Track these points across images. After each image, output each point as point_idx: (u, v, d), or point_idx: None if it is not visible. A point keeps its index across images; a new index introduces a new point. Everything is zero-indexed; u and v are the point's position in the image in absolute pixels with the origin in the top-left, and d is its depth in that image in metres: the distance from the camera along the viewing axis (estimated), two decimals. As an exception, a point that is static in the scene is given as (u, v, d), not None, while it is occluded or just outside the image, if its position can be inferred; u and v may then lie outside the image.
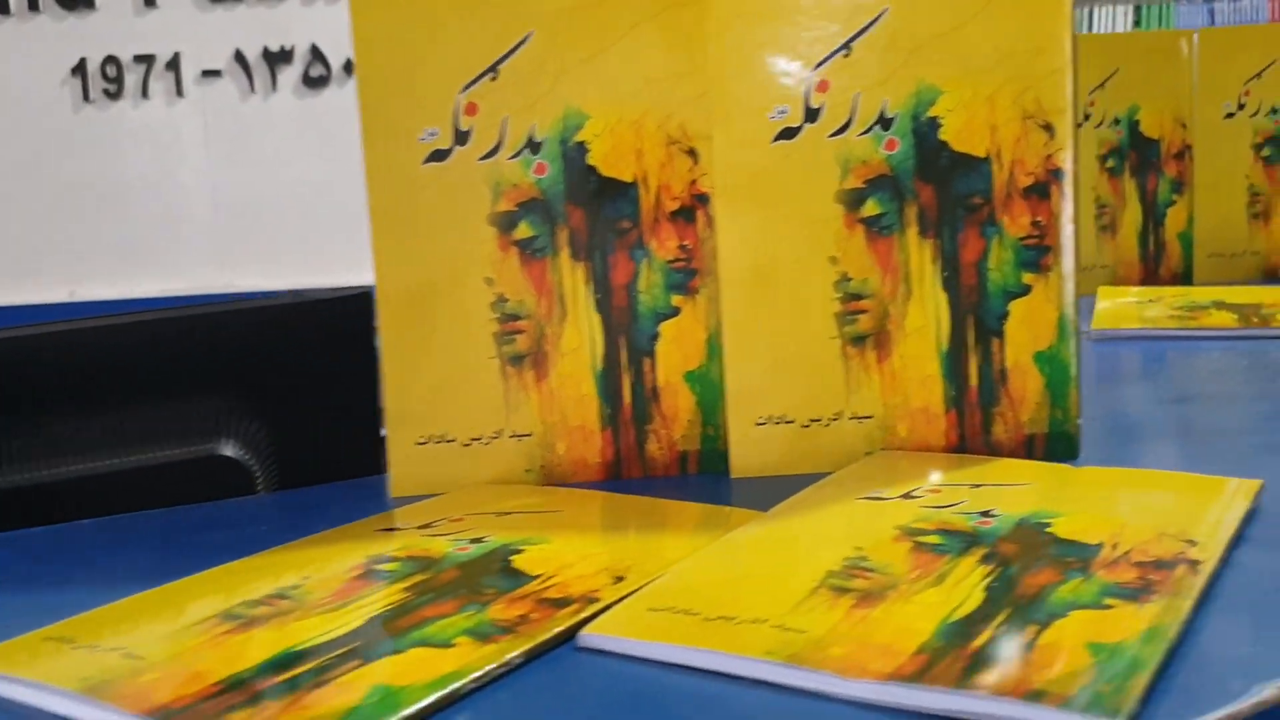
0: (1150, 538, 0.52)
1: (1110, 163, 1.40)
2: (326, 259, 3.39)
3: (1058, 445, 0.70)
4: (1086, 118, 1.39)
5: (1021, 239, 0.69)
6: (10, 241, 3.73)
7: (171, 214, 3.59)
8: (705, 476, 0.72)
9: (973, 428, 0.70)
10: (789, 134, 0.69)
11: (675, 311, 0.71)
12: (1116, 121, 1.40)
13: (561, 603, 0.49)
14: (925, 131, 0.69)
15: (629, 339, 0.71)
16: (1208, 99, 1.39)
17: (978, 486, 0.61)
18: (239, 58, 3.55)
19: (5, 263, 3.73)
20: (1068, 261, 0.69)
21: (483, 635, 0.46)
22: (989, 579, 0.48)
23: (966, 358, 0.70)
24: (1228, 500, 0.56)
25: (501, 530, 0.59)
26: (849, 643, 0.43)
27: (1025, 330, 0.69)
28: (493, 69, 0.69)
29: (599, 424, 0.71)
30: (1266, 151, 1.40)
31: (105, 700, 0.41)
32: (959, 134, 0.69)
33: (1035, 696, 0.38)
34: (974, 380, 0.70)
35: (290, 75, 3.53)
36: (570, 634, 0.47)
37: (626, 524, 0.62)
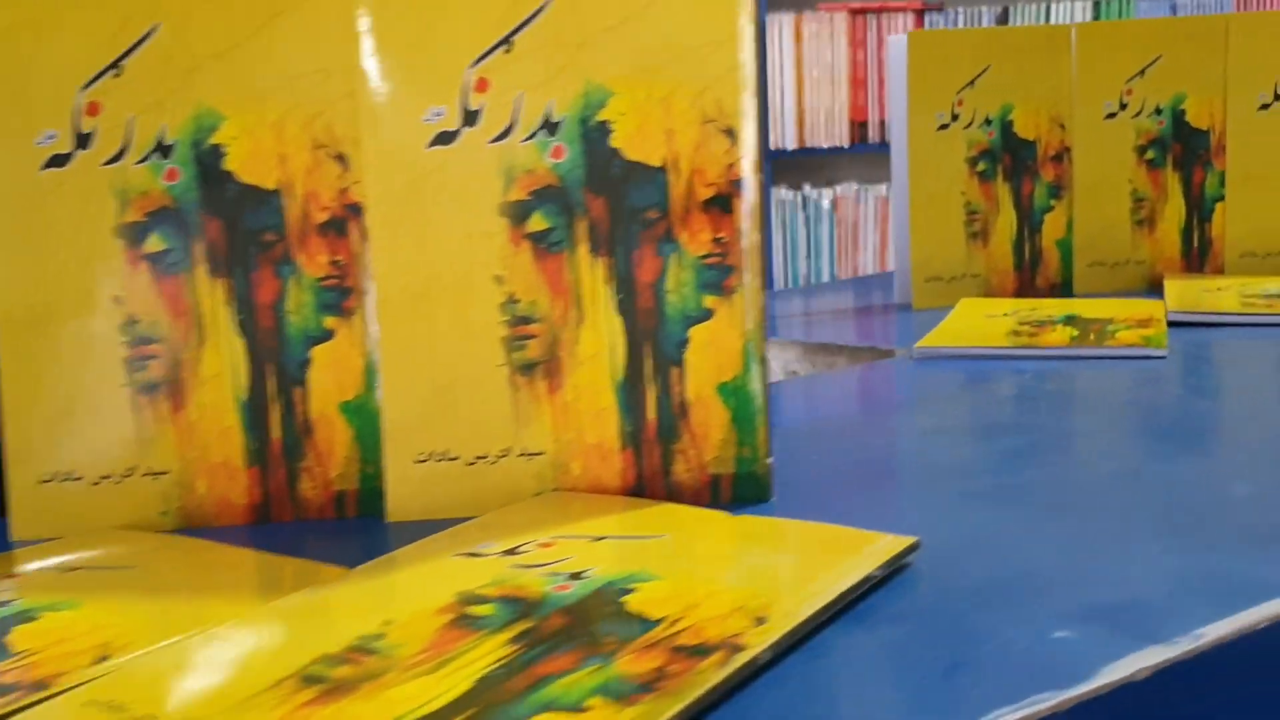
0: (724, 613, 0.44)
1: (981, 166, 1.30)
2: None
3: (746, 488, 0.62)
4: (955, 118, 1.30)
5: (702, 258, 0.61)
6: None
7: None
8: (365, 519, 0.64)
9: (651, 467, 0.62)
10: (445, 139, 0.61)
11: (328, 335, 0.63)
12: (988, 122, 1.29)
13: (38, 685, 0.41)
14: (595, 137, 0.61)
15: (277, 365, 0.63)
16: (1087, 98, 1.30)
17: (599, 540, 0.54)
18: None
19: None
20: (751, 282, 0.61)
21: None
22: (495, 665, 0.41)
23: (643, 389, 0.62)
24: (855, 564, 0.48)
25: (41, 593, 0.51)
26: (250, 756, 0.36)
27: (707, 359, 0.62)
28: (115, 64, 0.62)
29: (244, 461, 0.64)
30: (1150, 154, 1.32)
31: None
32: (631, 140, 0.61)
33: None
34: (651, 414, 0.62)
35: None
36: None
37: (187, 582, 0.55)
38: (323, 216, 0.63)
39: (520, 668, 0.40)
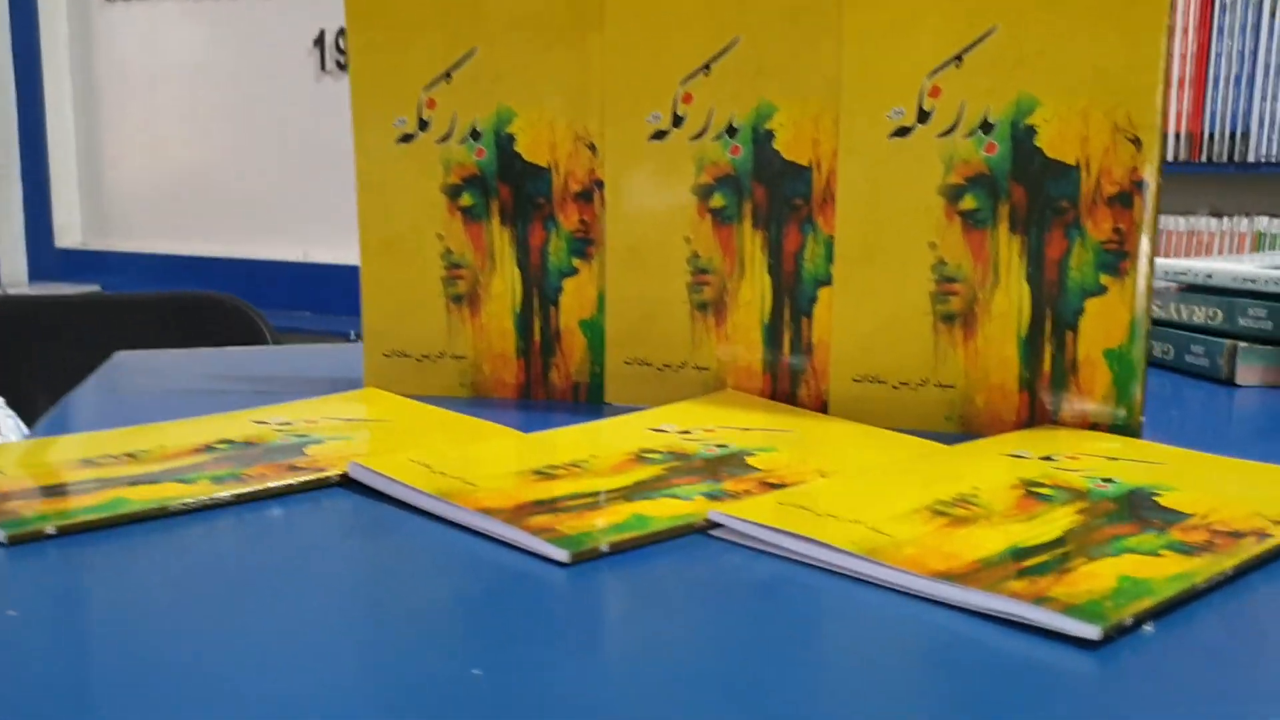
0: (1245, 513, 0.59)
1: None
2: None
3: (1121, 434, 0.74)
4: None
5: (1103, 243, 0.76)
6: (254, 201, 4.17)
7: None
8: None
9: (1042, 411, 0.79)
10: (903, 132, 0.79)
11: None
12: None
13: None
14: (1022, 138, 0.76)
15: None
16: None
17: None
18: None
19: (249, 221, 4.18)
20: (1143, 267, 0.76)
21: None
22: (1073, 524, 0.57)
23: (1042, 347, 0.78)
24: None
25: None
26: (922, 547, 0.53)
27: (1098, 328, 0.77)
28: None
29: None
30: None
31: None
32: (1052, 142, 0.76)
33: (1041, 601, 0.47)
34: (1046, 367, 0.78)
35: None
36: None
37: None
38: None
39: (1094, 527, 0.56)
